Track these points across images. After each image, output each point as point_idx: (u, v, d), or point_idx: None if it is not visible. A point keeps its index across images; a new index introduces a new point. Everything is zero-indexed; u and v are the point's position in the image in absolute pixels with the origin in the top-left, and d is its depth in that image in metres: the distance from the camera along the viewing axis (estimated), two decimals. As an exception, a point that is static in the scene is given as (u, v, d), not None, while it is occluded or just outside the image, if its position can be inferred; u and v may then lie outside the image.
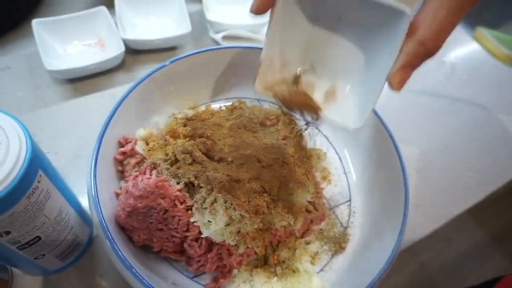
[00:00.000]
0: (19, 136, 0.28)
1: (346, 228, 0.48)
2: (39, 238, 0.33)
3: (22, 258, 0.34)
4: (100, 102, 0.56)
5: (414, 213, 0.52)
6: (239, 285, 0.42)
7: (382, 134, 0.49)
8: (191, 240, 0.39)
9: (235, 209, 0.36)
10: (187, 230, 0.38)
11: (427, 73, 0.71)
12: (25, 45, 0.63)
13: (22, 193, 0.28)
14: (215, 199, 0.36)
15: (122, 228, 0.40)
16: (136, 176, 0.40)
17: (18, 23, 0.66)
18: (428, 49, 0.32)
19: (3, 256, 0.35)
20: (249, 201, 0.37)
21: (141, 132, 0.46)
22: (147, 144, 0.46)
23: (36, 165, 0.29)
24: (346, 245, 0.47)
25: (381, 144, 0.49)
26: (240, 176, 0.38)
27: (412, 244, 0.52)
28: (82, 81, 0.59)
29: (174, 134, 0.44)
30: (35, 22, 0.58)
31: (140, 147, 0.45)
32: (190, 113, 0.47)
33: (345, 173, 0.53)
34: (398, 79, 0.33)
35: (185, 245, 0.39)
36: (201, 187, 0.38)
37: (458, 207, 0.55)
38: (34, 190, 0.29)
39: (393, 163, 0.47)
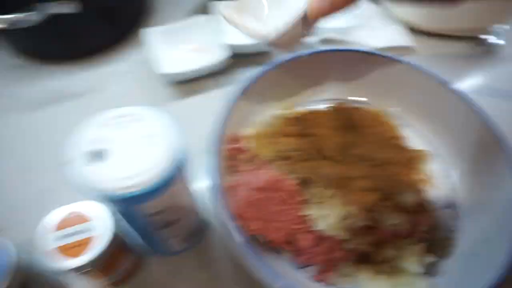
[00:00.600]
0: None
1: (451, 232, 0.47)
2: (179, 219, 0.37)
3: (157, 239, 0.39)
4: (207, 103, 0.61)
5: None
6: (344, 280, 0.43)
7: (489, 136, 0.47)
8: (303, 232, 0.41)
9: (349, 205, 0.37)
10: (300, 223, 0.40)
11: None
12: (135, 52, 0.71)
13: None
14: (331, 195, 0.38)
15: (237, 218, 0.43)
16: (252, 170, 0.43)
17: (126, 33, 0.74)
18: None
19: (147, 234, 0.40)
20: (360, 199, 0.39)
21: (249, 131, 0.50)
22: (256, 141, 0.49)
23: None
24: (451, 250, 0.46)
25: (488, 147, 0.47)
26: (351, 174, 0.40)
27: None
28: (188, 83, 0.65)
29: (283, 133, 0.47)
30: (145, 31, 0.65)
31: (249, 145, 0.48)
32: (297, 112, 0.49)
33: (449, 175, 0.52)
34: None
35: (296, 237, 0.42)
36: (315, 182, 0.40)
37: None
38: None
39: (501, 169, 0.45)
